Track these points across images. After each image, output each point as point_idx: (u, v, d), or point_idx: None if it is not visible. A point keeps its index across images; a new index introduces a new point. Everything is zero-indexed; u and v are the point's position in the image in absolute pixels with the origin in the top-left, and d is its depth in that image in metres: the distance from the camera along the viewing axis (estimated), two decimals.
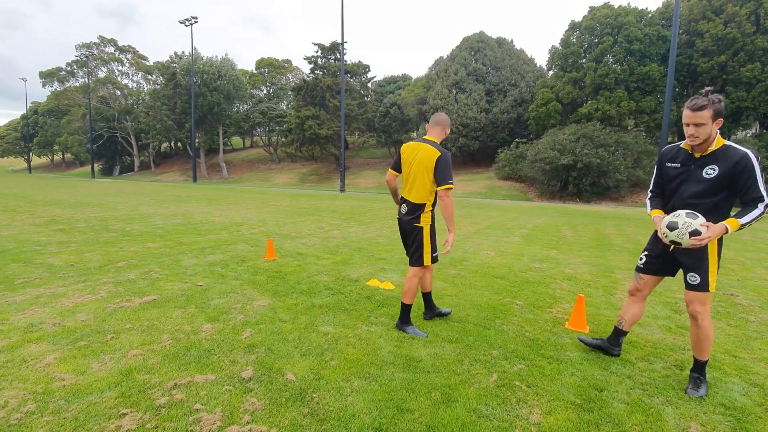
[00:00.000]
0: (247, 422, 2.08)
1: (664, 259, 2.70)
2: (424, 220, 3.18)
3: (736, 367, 2.89)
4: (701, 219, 2.39)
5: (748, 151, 2.38)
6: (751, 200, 2.37)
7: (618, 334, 2.94)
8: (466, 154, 30.41)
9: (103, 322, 3.30)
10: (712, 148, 2.44)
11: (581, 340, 3.11)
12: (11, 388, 2.31)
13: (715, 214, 2.45)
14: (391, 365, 2.72)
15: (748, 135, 23.46)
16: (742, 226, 2.38)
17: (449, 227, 3.11)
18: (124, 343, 2.92)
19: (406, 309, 3.27)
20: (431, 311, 3.59)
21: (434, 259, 3.24)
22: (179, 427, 2.02)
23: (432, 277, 3.60)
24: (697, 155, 2.49)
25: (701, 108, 2.33)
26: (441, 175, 3.01)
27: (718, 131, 2.46)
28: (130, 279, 4.56)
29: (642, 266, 2.80)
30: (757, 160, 2.36)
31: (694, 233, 2.36)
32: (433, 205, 3.24)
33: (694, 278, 2.52)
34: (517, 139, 26.84)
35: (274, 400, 2.28)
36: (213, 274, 4.86)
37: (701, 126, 2.36)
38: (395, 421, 2.13)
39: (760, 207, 2.35)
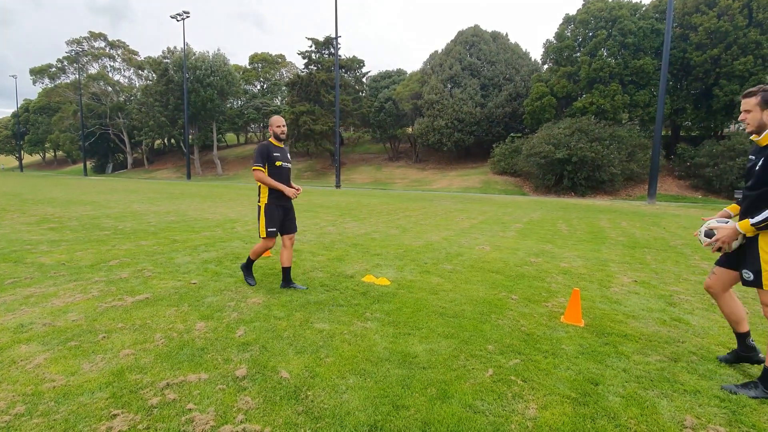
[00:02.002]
0: (241, 421, 2.05)
1: (736, 253, 2.60)
2: (261, 200, 4.08)
3: None
4: (707, 235, 2.55)
5: None
6: None
7: (739, 338, 2.72)
8: (461, 148, 30.38)
9: (94, 321, 3.26)
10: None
11: (720, 359, 2.85)
12: (0, 390, 2.27)
13: (759, 208, 2.34)
14: (386, 361, 2.71)
15: (741, 128, 23.60)
16: (754, 225, 2.31)
17: (277, 188, 3.99)
18: (115, 343, 2.88)
19: (250, 263, 4.41)
20: (287, 283, 4.30)
21: (270, 234, 4.05)
22: (171, 428, 1.99)
23: (291, 256, 4.26)
24: (762, 144, 2.44)
25: (748, 95, 2.44)
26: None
27: None
28: (123, 278, 4.51)
29: (719, 259, 2.72)
30: None
31: (708, 234, 2.55)
32: (271, 190, 4.03)
33: (747, 275, 2.45)
34: (512, 134, 26.85)
35: (268, 399, 2.25)
36: (207, 272, 4.81)
37: (749, 112, 2.43)
38: (391, 417, 2.11)
39: None
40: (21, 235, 6.98)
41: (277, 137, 4.08)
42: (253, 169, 3.97)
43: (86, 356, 2.68)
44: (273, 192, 4.04)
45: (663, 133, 21.45)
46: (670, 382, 2.54)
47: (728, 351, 2.92)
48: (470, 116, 27.73)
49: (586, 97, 23.63)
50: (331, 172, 33.44)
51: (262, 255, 5.69)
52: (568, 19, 25.13)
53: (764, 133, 2.41)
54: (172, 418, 2.07)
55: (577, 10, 24.73)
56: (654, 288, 4.61)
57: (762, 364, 2.64)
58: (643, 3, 23.64)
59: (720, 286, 2.72)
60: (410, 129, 34.64)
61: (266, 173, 3.99)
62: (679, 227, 9.69)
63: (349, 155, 39.20)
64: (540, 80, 25.57)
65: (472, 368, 2.65)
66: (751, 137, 2.52)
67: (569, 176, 21.17)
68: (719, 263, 2.73)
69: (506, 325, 3.39)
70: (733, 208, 2.75)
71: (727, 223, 2.57)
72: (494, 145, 27.06)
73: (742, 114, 2.49)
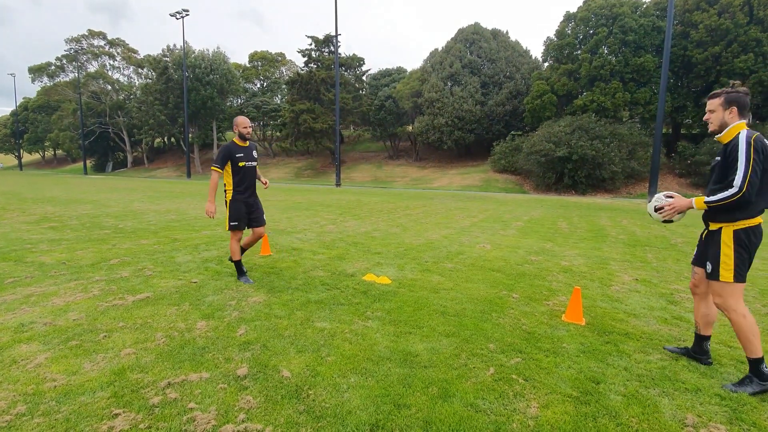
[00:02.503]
0: (242, 421, 2.05)
1: (701, 248, 2.71)
2: (227, 196, 4.34)
3: (732, 357, 2.90)
4: (667, 197, 2.69)
5: (743, 133, 2.40)
6: (728, 183, 2.40)
7: (699, 340, 2.81)
8: (461, 147, 30.33)
9: (95, 320, 3.26)
10: (728, 137, 2.48)
11: (666, 349, 2.99)
12: (1, 390, 2.27)
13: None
14: (387, 360, 2.71)
15: None
16: (707, 203, 2.46)
17: (209, 198, 4.20)
18: (116, 342, 2.88)
19: (236, 265, 4.48)
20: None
21: (231, 227, 4.31)
22: (173, 427, 1.99)
23: (251, 243, 4.60)
24: (724, 142, 2.54)
25: (713, 96, 2.54)
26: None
27: (742, 122, 2.48)
28: (123, 277, 4.51)
29: (693, 257, 2.81)
30: (748, 145, 2.35)
31: (659, 209, 2.70)
32: (235, 186, 4.30)
33: (708, 267, 2.56)
34: (512, 132, 26.81)
35: (270, 398, 2.25)
36: (207, 271, 4.81)
37: (712, 113, 2.54)
38: (392, 417, 2.11)
39: (730, 191, 2.37)
40: (21, 234, 6.98)
41: (241, 137, 4.31)
42: (211, 169, 4.28)
43: (87, 355, 2.68)
44: (236, 188, 4.31)
45: (664, 131, 21.42)
46: (671, 381, 2.54)
47: (697, 345, 2.92)
48: (470, 114, 27.67)
49: (586, 95, 23.57)
50: (332, 171, 33.41)
51: (262, 253, 5.71)
52: (568, 17, 25.05)
53: (724, 131, 2.53)
54: (173, 417, 2.07)
55: (578, 8, 24.65)
56: (655, 286, 4.60)
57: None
58: (643, 0, 23.56)
59: (706, 286, 2.75)
60: (410, 127, 34.57)
61: (230, 173, 4.30)
62: (679, 225, 9.68)
63: (349, 153, 39.16)
64: (540, 78, 25.51)
65: (474, 367, 2.65)
66: (715, 137, 2.61)
67: (570, 174, 21.14)
68: (695, 262, 2.81)
69: (507, 324, 3.39)
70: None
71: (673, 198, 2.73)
72: (494, 144, 27.01)
73: (706, 114, 2.60)
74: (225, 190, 4.36)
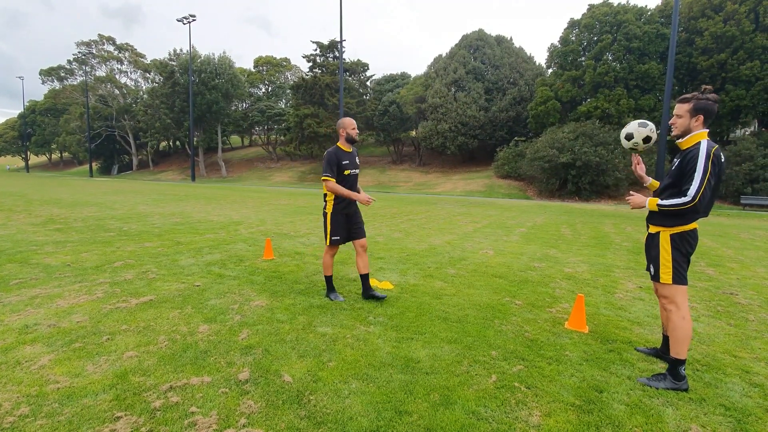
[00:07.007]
0: (244, 425, 2.05)
1: (646, 253, 2.83)
2: (327, 208, 3.93)
3: (737, 367, 2.87)
4: (651, 126, 2.73)
5: (704, 144, 2.43)
6: (683, 191, 2.46)
7: (666, 340, 2.92)
8: (465, 152, 30.36)
9: (98, 323, 3.27)
10: (689, 143, 2.53)
11: (638, 350, 3.07)
12: (5, 391, 2.28)
13: (670, 198, 2.54)
14: (389, 366, 2.70)
15: (747, 133, 23.45)
16: (659, 207, 2.53)
17: (350, 197, 3.82)
18: (119, 345, 2.89)
19: (327, 280, 4.10)
20: (366, 292, 4.07)
21: (333, 242, 3.94)
22: (174, 431, 1.99)
23: (366, 262, 4.03)
24: (683, 148, 2.59)
25: (683, 101, 2.55)
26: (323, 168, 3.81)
27: (705, 131, 2.52)
28: (127, 279, 4.53)
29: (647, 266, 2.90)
30: (707, 157, 2.38)
31: (647, 140, 2.74)
32: (337, 197, 3.87)
33: (651, 269, 2.69)
34: (516, 138, 26.85)
35: (271, 403, 2.25)
36: (210, 274, 4.83)
37: (679, 117, 2.56)
38: (393, 423, 2.11)
39: (683, 199, 2.42)
40: (27, 235, 7.03)
41: (350, 139, 3.86)
42: (323, 180, 3.79)
43: (90, 358, 2.69)
44: (339, 199, 3.87)
45: (668, 137, 21.37)
46: (675, 391, 2.52)
47: (658, 348, 3.06)
48: (474, 120, 27.73)
49: (590, 102, 23.58)
50: None
51: (265, 257, 5.73)
52: (572, 24, 25.12)
53: (686, 137, 2.56)
54: (174, 421, 2.07)
55: (582, 15, 24.72)
56: None
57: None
58: (648, 7, 23.60)
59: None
60: (414, 132, 34.67)
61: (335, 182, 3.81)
62: None
63: None
64: (544, 84, 25.54)
65: (476, 374, 2.64)
66: (675, 141, 2.64)
67: (573, 180, 21.10)
68: (647, 268, 2.93)
69: (510, 331, 3.37)
70: (653, 184, 2.96)
71: (646, 126, 2.76)
72: (498, 149, 27.04)
73: (673, 118, 2.61)
74: (325, 201, 3.92)
